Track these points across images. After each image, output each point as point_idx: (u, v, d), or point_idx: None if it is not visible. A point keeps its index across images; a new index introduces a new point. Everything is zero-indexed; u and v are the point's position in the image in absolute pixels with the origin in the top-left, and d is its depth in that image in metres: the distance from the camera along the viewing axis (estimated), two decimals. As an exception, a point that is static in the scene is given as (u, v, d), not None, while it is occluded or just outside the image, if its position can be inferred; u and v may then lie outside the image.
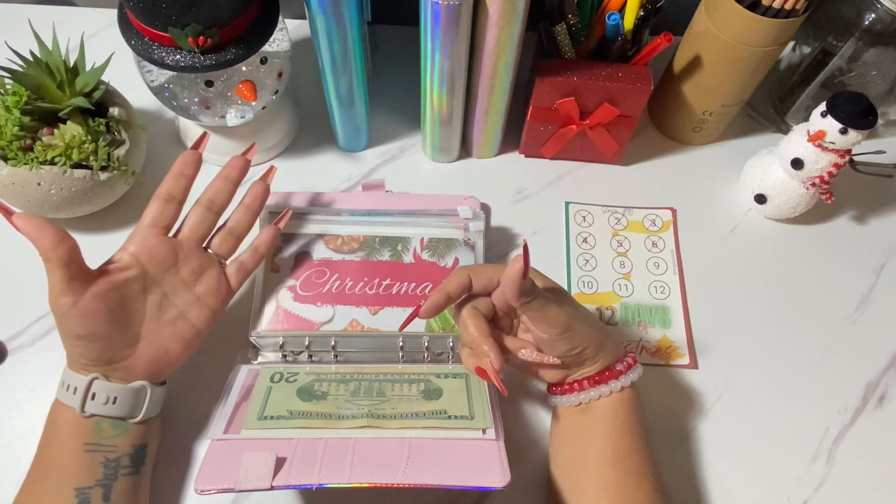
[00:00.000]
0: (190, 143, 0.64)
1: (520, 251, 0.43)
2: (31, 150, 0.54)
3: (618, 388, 0.46)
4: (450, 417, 0.46)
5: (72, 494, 0.43)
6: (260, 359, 0.54)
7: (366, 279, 0.55)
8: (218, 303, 0.50)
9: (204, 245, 0.50)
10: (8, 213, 0.42)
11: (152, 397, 0.46)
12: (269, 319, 0.53)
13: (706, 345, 0.59)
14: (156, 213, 0.48)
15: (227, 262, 0.51)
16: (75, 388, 0.44)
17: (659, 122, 0.70)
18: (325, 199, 0.60)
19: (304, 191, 0.62)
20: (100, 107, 0.57)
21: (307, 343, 0.53)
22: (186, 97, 0.56)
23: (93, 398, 0.44)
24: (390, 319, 0.54)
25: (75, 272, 0.43)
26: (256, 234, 0.53)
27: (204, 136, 0.51)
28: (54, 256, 0.42)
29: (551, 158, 0.67)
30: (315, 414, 0.46)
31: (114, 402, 0.44)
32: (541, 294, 0.42)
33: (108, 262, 0.46)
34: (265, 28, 0.53)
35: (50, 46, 0.55)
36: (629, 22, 0.57)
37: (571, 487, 0.46)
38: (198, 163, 0.50)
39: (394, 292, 0.55)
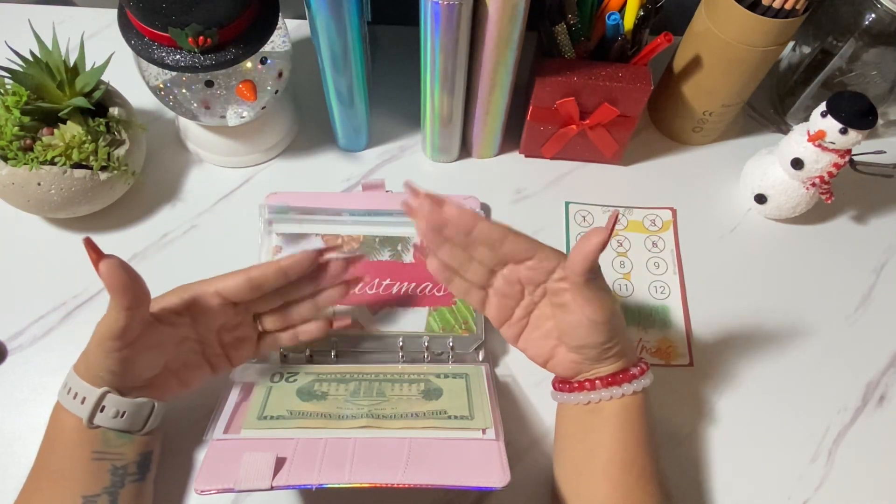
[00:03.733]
0: (190, 144, 0.64)
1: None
2: (31, 150, 0.54)
3: (630, 392, 0.45)
4: (450, 417, 0.46)
5: (79, 502, 0.42)
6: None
7: (366, 279, 0.55)
8: (240, 362, 0.50)
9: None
10: (97, 257, 0.39)
11: (158, 412, 0.46)
12: (269, 319, 0.53)
13: (706, 345, 0.59)
14: (233, 288, 0.46)
15: (266, 333, 0.51)
16: (83, 398, 0.43)
17: (659, 122, 0.70)
18: (325, 199, 0.60)
19: (304, 191, 0.62)
20: (100, 107, 0.57)
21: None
22: (186, 97, 0.56)
23: (101, 410, 0.43)
24: (390, 319, 0.54)
25: (135, 327, 0.42)
26: (307, 325, 0.51)
27: (332, 249, 0.49)
28: (125, 314, 0.41)
29: (551, 158, 0.67)
30: (315, 414, 0.47)
31: (122, 416, 0.44)
32: (601, 274, 0.42)
33: (167, 301, 0.45)
34: (265, 28, 0.53)
35: (50, 46, 0.55)
36: (629, 22, 0.57)
37: (578, 490, 0.46)
38: (308, 268, 0.48)
39: (394, 292, 0.55)
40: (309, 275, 0.49)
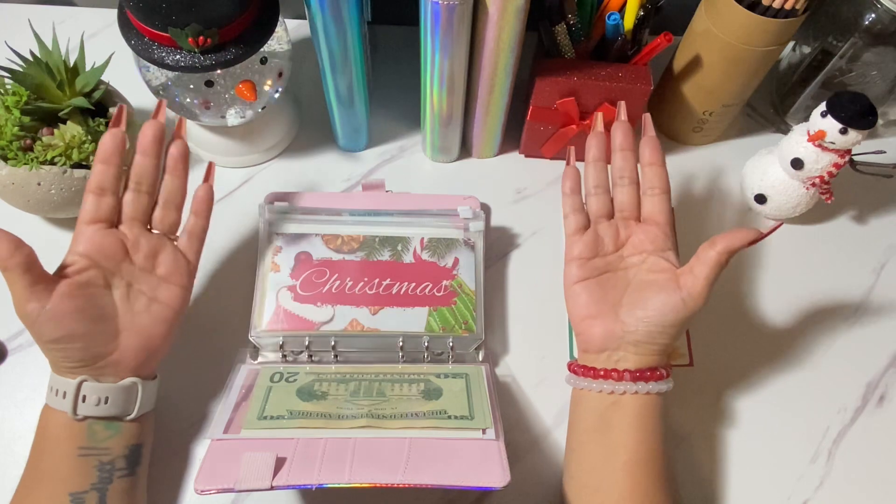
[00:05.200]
0: (190, 144, 0.64)
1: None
2: (31, 150, 0.54)
3: (654, 391, 0.46)
4: (450, 417, 0.46)
5: (66, 500, 0.42)
6: (260, 359, 0.54)
7: (366, 279, 0.55)
8: (183, 279, 0.48)
9: (148, 227, 0.48)
10: None
11: (144, 392, 0.46)
12: (269, 319, 0.53)
13: (706, 345, 0.58)
14: (91, 208, 0.45)
15: (177, 236, 0.50)
16: (64, 393, 0.43)
17: (659, 122, 0.70)
18: (325, 199, 0.60)
19: (304, 191, 0.62)
20: (100, 107, 0.57)
21: (307, 343, 0.53)
22: (186, 97, 0.56)
23: (84, 400, 0.43)
24: (390, 319, 0.54)
25: (37, 278, 0.42)
26: (192, 199, 0.51)
27: (121, 110, 0.47)
28: (13, 264, 0.41)
29: (551, 158, 0.67)
30: (315, 414, 0.47)
31: (106, 402, 0.44)
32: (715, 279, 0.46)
33: (62, 266, 0.44)
34: (265, 28, 0.53)
35: (50, 46, 0.55)
36: (629, 22, 0.57)
37: (596, 486, 0.46)
38: (122, 147, 0.46)
39: (394, 292, 0.55)
40: (139, 159, 0.47)
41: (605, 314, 0.47)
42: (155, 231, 0.48)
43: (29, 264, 0.41)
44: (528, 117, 0.62)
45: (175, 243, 0.49)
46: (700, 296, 0.45)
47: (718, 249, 0.45)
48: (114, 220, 0.46)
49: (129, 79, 0.58)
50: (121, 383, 0.45)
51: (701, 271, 0.45)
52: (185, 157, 0.49)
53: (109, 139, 0.46)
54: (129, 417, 0.45)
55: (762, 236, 0.45)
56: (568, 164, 0.54)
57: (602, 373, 0.46)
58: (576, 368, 0.49)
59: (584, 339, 0.49)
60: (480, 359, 0.55)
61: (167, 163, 0.49)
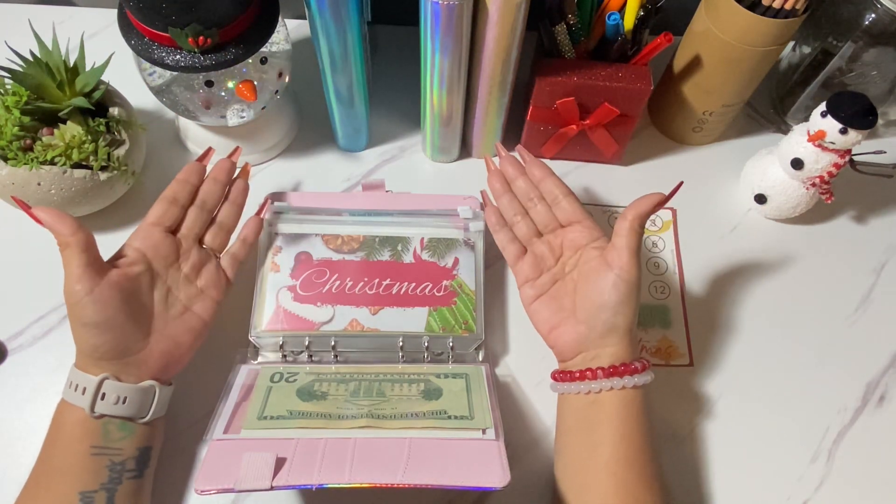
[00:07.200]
0: (190, 144, 0.65)
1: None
2: (31, 150, 0.54)
3: (630, 385, 0.46)
4: (450, 417, 0.46)
5: (76, 498, 0.42)
6: (260, 359, 0.54)
7: (366, 279, 0.55)
8: (219, 294, 0.51)
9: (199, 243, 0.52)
10: (27, 207, 0.44)
11: (160, 397, 0.46)
12: (269, 319, 0.53)
13: (706, 345, 0.59)
14: (160, 212, 0.50)
15: (221, 255, 0.53)
16: (84, 388, 0.44)
17: (659, 122, 0.70)
18: (325, 199, 0.60)
19: (304, 191, 0.62)
20: (100, 107, 0.57)
21: (307, 343, 0.53)
22: (186, 97, 0.56)
23: (102, 398, 0.44)
24: (390, 319, 0.54)
25: (92, 260, 0.44)
26: (242, 226, 0.55)
27: (209, 151, 0.56)
28: (73, 241, 0.43)
29: (551, 158, 0.67)
30: (315, 414, 0.47)
31: (123, 402, 0.44)
32: (640, 251, 0.48)
33: (117, 256, 0.47)
34: (265, 28, 0.53)
35: (50, 46, 0.55)
36: (629, 22, 0.57)
37: (580, 486, 0.46)
38: (201, 173, 0.53)
39: (394, 292, 0.55)
40: (210, 184, 0.53)
41: (566, 320, 0.49)
42: (204, 247, 0.52)
43: (87, 245, 0.44)
44: (528, 117, 0.62)
45: (218, 261, 0.53)
46: (629, 265, 0.46)
47: (630, 218, 0.47)
48: (174, 229, 0.51)
49: (129, 79, 0.58)
50: (140, 385, 0.45)
51: (620, 242, 0.47)
52: (246, 193, 0.56)
53: (194, 165, 0.53)
54: (142, 420, 0.46)
55: (666, 198, 0.48)
56: (485, 205, 0.58)
57: (578, 374, 0.47)
58: (556, 375, 0.50)
59: (558, 349, 0.50)
60: (480, 359, 0.55)
61: (231, 193, 0.55)
